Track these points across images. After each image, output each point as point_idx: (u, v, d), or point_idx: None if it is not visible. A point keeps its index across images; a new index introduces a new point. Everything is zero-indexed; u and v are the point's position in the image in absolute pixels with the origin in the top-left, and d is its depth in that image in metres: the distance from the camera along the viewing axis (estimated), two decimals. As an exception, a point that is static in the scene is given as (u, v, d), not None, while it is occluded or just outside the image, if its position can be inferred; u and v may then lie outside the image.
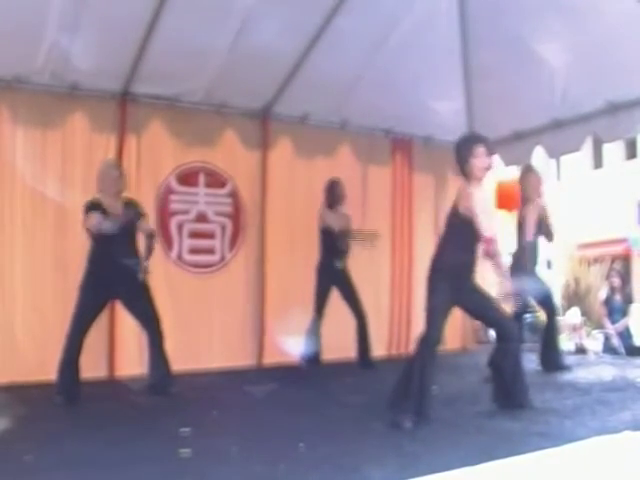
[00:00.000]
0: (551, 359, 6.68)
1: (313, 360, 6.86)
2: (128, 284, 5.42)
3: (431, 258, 4.76)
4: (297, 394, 5.57)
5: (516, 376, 4.79)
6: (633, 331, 8.76)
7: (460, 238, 4.62)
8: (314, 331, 6.89)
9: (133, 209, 5.58)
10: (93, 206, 5.40)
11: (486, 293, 4.88)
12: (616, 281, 9.36)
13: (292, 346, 6.69)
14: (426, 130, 8.18)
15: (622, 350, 8.41)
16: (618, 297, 9.18)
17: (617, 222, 15.51)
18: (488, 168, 4.73)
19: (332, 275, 7.04)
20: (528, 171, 6.97)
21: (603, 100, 6.57)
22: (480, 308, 4.85)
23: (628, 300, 9.18)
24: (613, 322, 8.92)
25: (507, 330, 4.82)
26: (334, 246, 7.05)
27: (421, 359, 4.51)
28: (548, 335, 6.79)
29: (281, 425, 4.40)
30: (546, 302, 6.86)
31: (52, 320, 5.98)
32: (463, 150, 4.73)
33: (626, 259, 16.44)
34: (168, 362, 5.57)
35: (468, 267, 4.73)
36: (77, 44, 5.75)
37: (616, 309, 9.09)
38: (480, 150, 4.68)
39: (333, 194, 7.12)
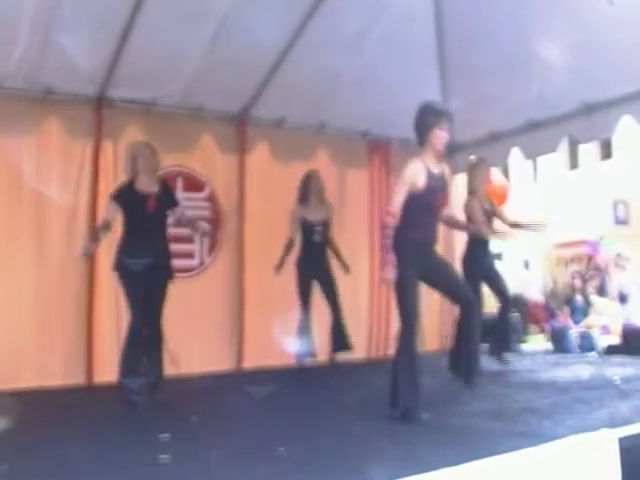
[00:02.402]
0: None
1: (307, 360, 6.79)
2: (155, 277, 5.37)
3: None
4: (278, 397, 5.54)
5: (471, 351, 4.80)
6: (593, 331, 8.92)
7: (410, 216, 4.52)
8: (305, 328, 6.76)
9: (167, 193, 5.61)
10: (121, 192, 5.40)
11: (450, 267, 4.82)
12: (577, 282, 9.85)
13: (283, 347, 6.60)
14: (403, 132, 8.15)
15: (598, 349, 8.52)
16: (579, 298, 9.55)
17: (593, 222, 15.65)
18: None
19: (312, 269, 6.92)
20: (478, 163, 7.02)
21: (578, 101, 6.64)
22: (444, 281, 4.76)
23: (588, 301, 9.51)
24: (575, 322, 9.21)
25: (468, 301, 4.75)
26: (310, 239, 6.94)
27: (405, 348, 4.42)
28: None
29: (264, 429, 4.38)
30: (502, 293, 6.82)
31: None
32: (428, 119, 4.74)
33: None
34: (162, 367, 5.51)
35: (425, 243, 4.60)
36: (52, 47, 5.71)
37: (578, 309, 9.41)
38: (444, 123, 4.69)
39: (304, 187, 6.99)
